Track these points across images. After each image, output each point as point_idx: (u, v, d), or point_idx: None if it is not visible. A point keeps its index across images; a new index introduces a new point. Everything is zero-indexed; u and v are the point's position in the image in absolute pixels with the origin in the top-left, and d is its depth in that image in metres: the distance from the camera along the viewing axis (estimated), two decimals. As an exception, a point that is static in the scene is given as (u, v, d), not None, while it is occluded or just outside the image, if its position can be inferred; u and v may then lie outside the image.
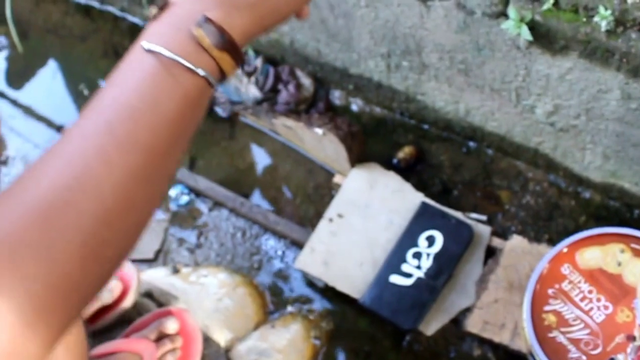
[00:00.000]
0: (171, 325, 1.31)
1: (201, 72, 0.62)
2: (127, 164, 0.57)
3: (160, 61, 0.61)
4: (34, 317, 0.52)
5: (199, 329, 1.35)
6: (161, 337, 1.31)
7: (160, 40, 0.62)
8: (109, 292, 1.35)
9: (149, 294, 1.47)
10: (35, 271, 0.52)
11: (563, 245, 1.28)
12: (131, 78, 0.61)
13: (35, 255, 0.52)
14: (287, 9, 0.69)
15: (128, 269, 1.39)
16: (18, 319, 0.51)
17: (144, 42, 0.62)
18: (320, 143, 1.52)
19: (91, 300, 0.56)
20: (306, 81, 1.66)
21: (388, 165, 1.57)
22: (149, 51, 0.62)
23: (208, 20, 0.62)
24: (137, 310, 1.40)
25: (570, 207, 1.50)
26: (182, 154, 0.63)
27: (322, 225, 1.50)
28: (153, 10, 0.65)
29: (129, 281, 1.38)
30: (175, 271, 1.51)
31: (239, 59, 0.65)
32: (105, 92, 0.61)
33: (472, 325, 1.37)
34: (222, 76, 0.65)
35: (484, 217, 1.50)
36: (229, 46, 0.63)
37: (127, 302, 1.37)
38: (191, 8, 0.63)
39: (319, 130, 1.49)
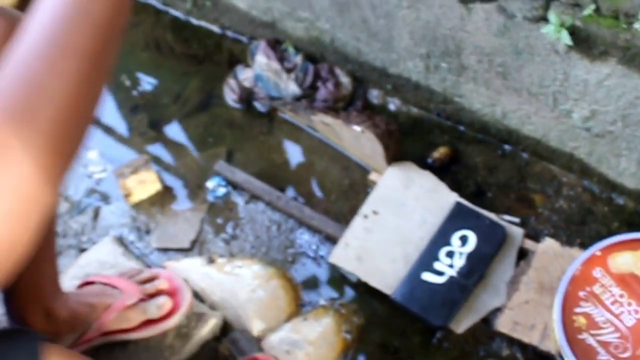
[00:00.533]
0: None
1: None
2: (71, 68, 0.67)
3: None
4: (44, 168, 0.65)
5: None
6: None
7: None
8: (157, 307, 1.40)
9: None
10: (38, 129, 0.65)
11: (596, 249, 1.30)
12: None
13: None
14: None
15: (184, 296, 1.44)
16: (33, 169, 0.64)
17: None
18: (357, 140, 1.55)
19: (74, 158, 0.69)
20: (345, 79, 1.69)
21: (423, 164, 1.59)
22: None
23: None
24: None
25: (603, 213, 1.51)
26: (114, 56, 0.73)
27: (357, 221, 1.52)
28: None
29: (180, 303, 1.43)
30: (211, 261, 1.55)
31: None
32: (47, 6, 0.69)
33: (503, 325, 1.39)
34: None
35: (517, 220, 1.52)
36: None
37: (172, 322, 1.42)
38: None
39: (357, 128, 1.52)
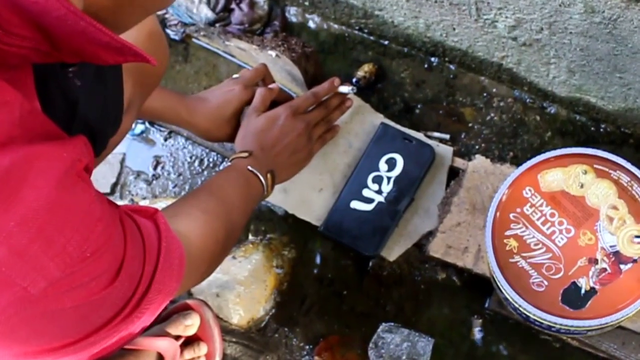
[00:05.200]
0: (193, 321, 1.29)
1: (264, 184, 1.20)
2: (226, 232, 1.04)
3: (250, 175, 1.19)
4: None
5: (217, 326, 1.33)
6: (181, 336, 1.29)
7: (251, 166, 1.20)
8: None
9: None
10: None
11: (523, 169, 1.22)
12: (236, 181, 1.16)
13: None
14: (297, 172, 1.35)
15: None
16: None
17: (249, 166, 1.19)
18: (275, 65, 1.44)
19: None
20: (260, -1, 1.56)
21: (348, 84, 1.49)
22: (249, 170, 1.19)
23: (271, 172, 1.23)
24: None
25: (535, 123, 1.43)
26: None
27: (280, 151, 1.43)
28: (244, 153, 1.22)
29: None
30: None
31: (273, 187, 1.24)
32: (224, 187, 1.12)
33: (435, 249, 1.32)
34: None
35: (446, 136, 1.43)
36: (273, 180, 1.23)
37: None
38: (265, 165, 1.23)
39: (272, 53, 1.40)
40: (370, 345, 1.34)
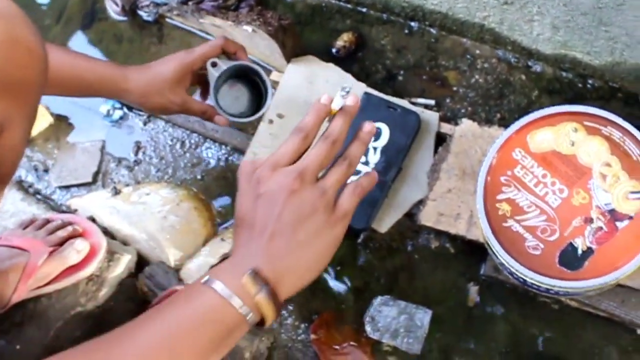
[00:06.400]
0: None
1: (244, 311, 0.76)
2: None
3: (214, 296, 0.76)
4: None
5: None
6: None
7: (218, 279, 0.76)
8: (77, 252, 1.24)
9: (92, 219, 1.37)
10: None
11: (512, 131, 1.17)
12: (190, 305, 0.76)
13: None
14: (322, 269, 0.85)
15: (99, 238, 1.29)
16: None
17: (206, 276, 0.77)
18: (252, 41, 1.38)
19: None
20: (233, -28, 1.50)
21: (328, 55, 1.44)
22: (208, 285, 0.76)
23: (261, 276, 0.77)
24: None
25: (521, 83, 1.38)
26: None
27: (262, 128, 1.38)
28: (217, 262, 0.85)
29: (98, 243, 1.28)
30: (116, 192, 1.40)
31: (279, 310, 0.79)
32: (168, 311, 0.77)
33: (426, 218, 1.28)
34: (262, 321, 0.79)
35: (431, 102, 1.38)
36: (273, 299, 0.77)
37: (94, 265, 1.27)
38: (247, 264, 0.77)
39: (248, 28, 1.35)
40: (367, 319, 1.30)
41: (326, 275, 1.33)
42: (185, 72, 1.23)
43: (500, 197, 1.16)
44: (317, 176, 0.83)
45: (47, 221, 1.30)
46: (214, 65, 1.25)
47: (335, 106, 0.87)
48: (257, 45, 1.39)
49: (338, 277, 1.33)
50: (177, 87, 1.23)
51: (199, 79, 1.29)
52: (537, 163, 1.16)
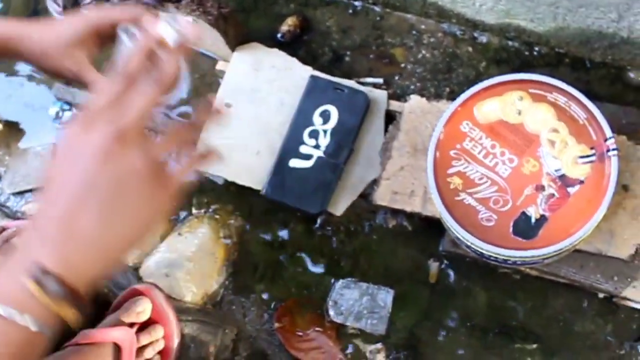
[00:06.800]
0: (144, 306, 1.20)
1: (32, 326, 0.60)
2: None
3: None
4: None
5: (171, 308, 1.23)
6: (136, 323, 1.20)
7: None
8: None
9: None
10: None
11: (457, 104, 1.16)
12: None
13: None
14: (134, 246, 0.65)
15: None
16: None
17: None
18: (194, 31, 1.35)
19: None
20: (172, -37, 1.47)
21: (274, 41, 1.41)
22: None
23: (44, 270, 0.60)
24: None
25: (468, 55, 1.36)
26: None
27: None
28: None
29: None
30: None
31: (83, 306, 0.62)
32: None
33: (381, 197, 1.26)
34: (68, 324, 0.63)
35: (380, 80, 1.36)
36: (69, 295, 0.60)
37: None
38: (27, 256, 0.61)
39: (189, 19, 1.32)
40: (330, 303, 1.28)
41: (286, 262, 1.31)
42: (88, 34, 0.98)
43: (450, 171, 1.14)
44: (143, 132, 0.67)
45: (3, 229, 1.27)
46: (126, 32, 0.90)
47: (169, 39, 0.69)
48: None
49: (298, 263, 1.31)
50: (76, 50, 0.98)
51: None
52: (485, 134, 1.15)
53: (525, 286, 1.25)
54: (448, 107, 1.16)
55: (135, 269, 1.32)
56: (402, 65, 1.37)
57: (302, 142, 1.29)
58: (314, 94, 1.31)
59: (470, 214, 1.13)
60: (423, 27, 1.39)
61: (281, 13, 1.44)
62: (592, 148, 1.12)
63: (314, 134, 1.29)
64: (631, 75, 1.33)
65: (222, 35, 1.32)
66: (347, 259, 1.30)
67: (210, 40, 1.35)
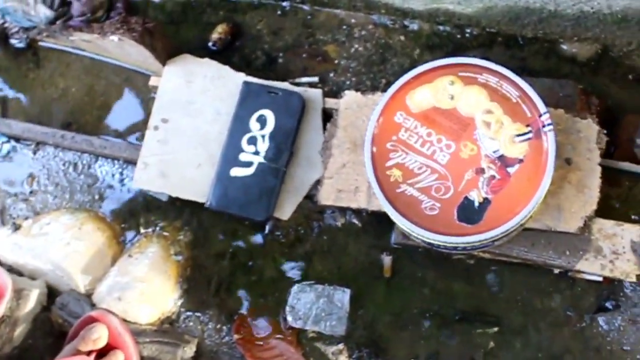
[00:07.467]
0: (100, 333, 1.17)
1: None
2: None
3: None
4: None
5: (127, 331, 1.20)
6: (93, 350, 1.17)
7: None
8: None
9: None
10: None
11: (388, 96, 1.13)
12: None
13: None
14: None
15: (3, 279, 1.22)
16: None
17: None
18: (123, 50, 1.32)
19: None
20: (97, -16, 1.43)
21: (206, 50, 1.38)
22: None
23: None
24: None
25: (401, 44, 1.34)
26: None
27: (149, 135, 1.32)
28: None
29: (3, 291, 1.22)
30: (16, 228, 1.34)
31: None
32: None
33: (326, 197, 1.23)
34: None
35: (315, 79, 1.34)
36: None
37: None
38: None
39: (114, 38, 1.29)
40: (287, 309, 1.25)
41: (240, 272, 1.28)
42: None
43: (389, 164, 1.12)
44: None
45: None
46: None
47: None
48: (130, 53, 1.33)
49: (252, 272, 1.28)
50: None
51: None
52: (420, 123, 1.12)
53: (481, 270, 1.23)
54: (377, 104, 1.13)
55: (88, 295, 1.28)
56: (336, 61, 1.35)
57: (242, 150, 1.26)
58: (248, 100, 1.28)
59: (413, 205, 1.10)
60: (353, 21, 1.36)
61: (210, 21, 1.41)
62: (527, 125, 1.09)
63: (253, 140, 1.26)
64: (564, 47, 1.31)
65: (150, 50, 1.29)
66: (300, 263, 1.27)
67: (141, 56, 1.32)
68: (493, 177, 1.09)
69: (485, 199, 1.08)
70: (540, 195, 1.07)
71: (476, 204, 1.08)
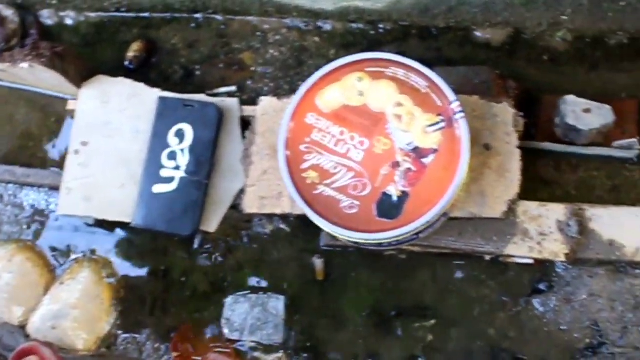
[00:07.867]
0: None
1: None
2: None
3: None
4: None
5: None
6: None
7: None
8: None
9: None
10: None
11: (298, 99, 1.11)
12: None
13: None
14: None
15: None
16: None
17: None
18: (36, 76, 1.30)
19: None
20: (8, 12, 1.41)
21: (123, 69, 1.36)
22: None
23: None
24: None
25: (316, 45, 1.32)
26: None
27: (70, 160, 1.29)
28: None
29: None
30: (-55, 264, 1.31)
31: None
32: None
33: (250, 205, 1.21)
34: None
35: (233, 88, 1.32)
36: None
37: None
38: None
39: (25, 65, 1.26)
40: (223, 321, 1.23)
41: (173, 289, 1.26)
42: None
43: (304, 166, 1.10)
44: None
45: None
46: None
47: None
48: (44, 79, 1.30)
49: (185, 288, 1.26)
50: None
51: None
52: (332, 122, 1.11)
53: (413, 264, 1.22)
54: (288, 107, 1.12)
55: (22, 327, 1.25)
56: (252, 68, 1.33)
57: (162, 166, 1.24)
58: (165, 115, 1.26)
59: (332, 205, 1.08)
60: (266, 26, 1.34)
61: (126, 40, 1.39)
62: (439, 115, 1.08)
63: (173, 155, 1.24)
64: (478, 34, 1.30)
65: (63, 74, 1.27)
66: (233, 274, 1.26)
67: (55, 81, 1.30)
68: (409, 169, 1.07)
69: (404, 192, 1.07)
70: (458, 183, 1.06)
71: (395, 198, 1.07)
